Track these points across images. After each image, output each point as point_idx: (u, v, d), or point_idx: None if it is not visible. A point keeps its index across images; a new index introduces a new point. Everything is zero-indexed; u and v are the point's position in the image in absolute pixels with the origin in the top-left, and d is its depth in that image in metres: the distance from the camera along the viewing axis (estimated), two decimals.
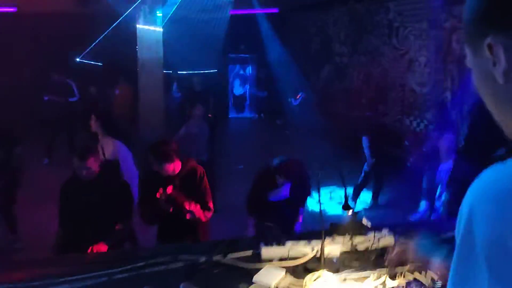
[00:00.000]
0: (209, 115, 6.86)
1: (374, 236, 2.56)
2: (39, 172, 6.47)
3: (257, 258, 2.41)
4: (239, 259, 2.37)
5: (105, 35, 9.06)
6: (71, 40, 9.46)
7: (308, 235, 2.60)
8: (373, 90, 8.61)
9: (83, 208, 3.04)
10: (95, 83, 9.69)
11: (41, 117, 8.39)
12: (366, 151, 5.83)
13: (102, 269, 2.21)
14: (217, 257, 2.33)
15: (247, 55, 13.05)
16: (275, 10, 10.89)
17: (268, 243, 2.46)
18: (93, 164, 3.08)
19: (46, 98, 8.29)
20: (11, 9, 9.79)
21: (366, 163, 5.88)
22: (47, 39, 10.02)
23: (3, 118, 6.79)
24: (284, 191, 3.34)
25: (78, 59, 10.12)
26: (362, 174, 5.94)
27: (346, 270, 2.30)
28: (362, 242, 2.55)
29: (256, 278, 2.17)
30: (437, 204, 4.34)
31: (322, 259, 2.33)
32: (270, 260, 2.39)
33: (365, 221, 2.71)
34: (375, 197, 6.12)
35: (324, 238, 2.34)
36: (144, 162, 3.71)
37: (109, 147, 4.22)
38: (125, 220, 3.14)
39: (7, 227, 4.63)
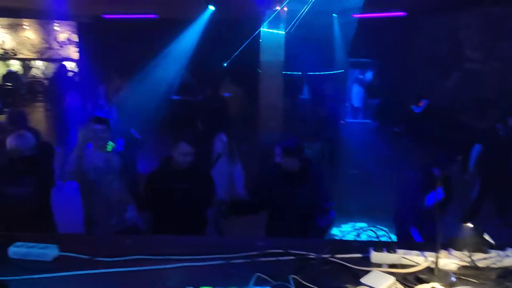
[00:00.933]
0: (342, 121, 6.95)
1: (497, 254, 2.40)
2: None
3: (366, 261, 2.43)
4: (348, 260, 2.41)
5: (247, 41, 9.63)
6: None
7: (422, 246, 2.53)
8: (508, 100, 7.86)
9: (171, 195, 3.35)
10: (217, 84, 10.35)
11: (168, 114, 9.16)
12: (472, 161, 5.51)
13: (218, 253, 2.41)
14: (326, 255, 2.39)
15: (368, 60, 12.78)
16: (402, 14, 10.46)
17: (379, 248, 2.45)
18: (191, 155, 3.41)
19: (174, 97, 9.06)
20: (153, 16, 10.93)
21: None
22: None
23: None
24: (437, 194, 3.25)
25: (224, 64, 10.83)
26: (477, 187, 5.57)
27: (461, 286, 2.19)
28: (483, 259, 2.40)
29: (364, 280, 2.18)
30: None
31: (436, 271, 2.25)
32: (379, 265, 2.39)
33: (487, 237, 2.54)
34: (498, 212, 5.64)
35: (440, 250, 2.27)
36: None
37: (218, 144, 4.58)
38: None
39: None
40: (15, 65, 17.80)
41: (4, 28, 17.27)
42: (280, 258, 2.42)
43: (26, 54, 17.69)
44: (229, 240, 2.71)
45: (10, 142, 3.42)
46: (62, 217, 3.94)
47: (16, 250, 2.29)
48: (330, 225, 3.83)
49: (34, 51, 17.70)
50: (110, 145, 3.77)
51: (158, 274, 2.25)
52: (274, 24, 7.70)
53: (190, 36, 10.89)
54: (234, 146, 4.78)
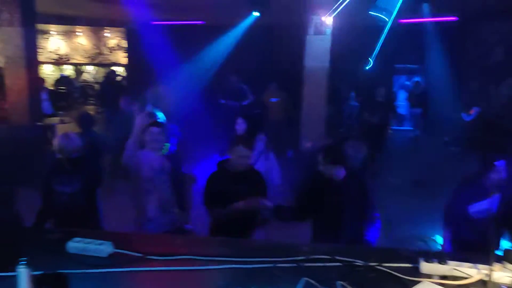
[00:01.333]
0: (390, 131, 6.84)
1: None
2: None
3: (415, 271, 2.38)
4: (396, 269, 2.37)
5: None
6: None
7: (475, 258, 2.45)
8: None
9: (228, 197, 3.43)
10: (260, 88, 10.45)
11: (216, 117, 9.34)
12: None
13: (265, 256, 2.43)
14: (374, 263, 2.37)
15: (414, 66, 12.49)
16: (453, 19, 10.16)
17: (429, 259, 2.40)
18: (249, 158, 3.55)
19: (223, 101, 9.20)
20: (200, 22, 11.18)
21: None
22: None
23: None
24: (490, 203, 3.13)
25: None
26: None
27: None
28: None
29: None
30: None
31: (490, 285, 2.19)
32: (429, 276, 2.34)
33: None
34: None
35: (494, 263, 2.20)
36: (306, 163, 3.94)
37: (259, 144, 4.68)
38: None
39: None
40: (68, 70, 18.67)
41: (59, 34, 18.17)
42: (327, 264, 2.42)
43: (78, 59, 18.52)
44: (276, 243, 2.72)
45: (56, 142, 3.60)
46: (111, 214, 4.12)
47: (74, 245, 2.42)
48: (376, 235, 3.78)
49: (86, 56, 18.51)
50: (166, 147, 3.91)
51: (206, 274, 2.31)
52: (319, 30, 7.69)
53: (235, 42, 11.08)
54: (268, 142, 4.96)
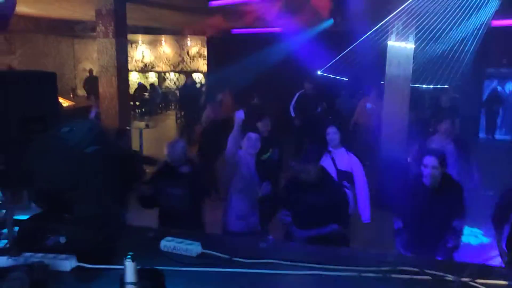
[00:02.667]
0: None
1: None
2: None
3: None
4: (491, 286, 2.25)
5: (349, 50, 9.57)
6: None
7: None
8: None
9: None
10: (338, 96, 10.34)
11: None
12: None
13: (349, 264, 2.42)
14: (467, 279, 2.26)
15: (509, 69, 11.67)
16: None
17: None
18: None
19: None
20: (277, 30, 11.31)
21: None
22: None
23: None
24: None
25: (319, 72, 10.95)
26: None
27: None
28: None
29: None
30: None
31: None
32: None
33: None
34: None
35: None
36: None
37: (343, 159, 4.55)
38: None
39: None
40: (152, 77, 19.77)
41: (145, 43, 19.33)
42: (414, 276, 2.35)
43: (162, 67, 19.56)
44: (361, 252, 2.69)
45: (166, 148, 3.96)
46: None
47: (166, 243, 2.57)
48: (457, 247, 3.64)
49: (168, 64, 19.50)
50: (268, 153, 4.10)
51: (290, 279, 2.35)
52: (402, 36, 7.46)
53: (312, 49, 11.07)
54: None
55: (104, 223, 2.30)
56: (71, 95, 14.15)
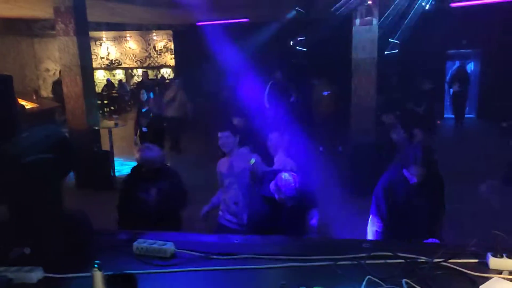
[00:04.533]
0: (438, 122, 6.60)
1: None
2: None
3: (482, 267, 2.29)
4: (463, 265, 2.29)
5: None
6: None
7: None
8: None
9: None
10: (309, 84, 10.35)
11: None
12: None
13: (326, 254, 2.42)
14: (439, 259, 2.29)
15: (469, 50, 11.93)
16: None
17: (498, 253, 2.30)
18: None
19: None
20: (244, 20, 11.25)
21: None
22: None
23: None
24: None
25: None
26: None
27: None
28: None
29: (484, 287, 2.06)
30: None
31: None
32: (499, 272, 2.24)
33: None
34: None
35: None
36: None
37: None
38: None
39: None
40: (119, 74, 19.36)
41: (109, 40, 18.87)
42: (389, 260, 2.36)
43: (128, 63, 19.16)
44: (335, 241, 2.70)
45: (137, 154, 3.89)
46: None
47: (138, 246, 2.51)
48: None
49: (135, 60, 19.12)
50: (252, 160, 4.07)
51: (268, 273, 2.33)
52: (366, 21, 7.53)
53: (280, 38, 11.03)
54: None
55: (70, 229, 2.22)
56: (34, 97, 13.70)
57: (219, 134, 4.10)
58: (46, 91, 16.77)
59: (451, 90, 12.17)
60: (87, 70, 8.23)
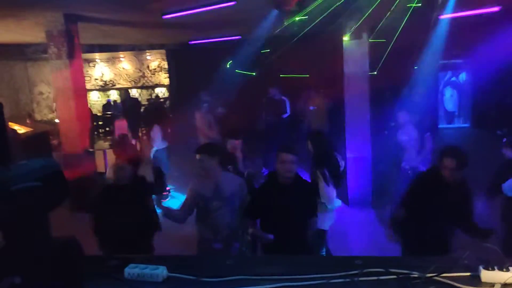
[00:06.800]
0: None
1: None
2: None
3: (475, 280, 2.29)
4: (455, 279, 2.28)
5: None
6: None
7: None
8: None
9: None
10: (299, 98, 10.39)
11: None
12: None
13: (317, 272, 2.41)
14: (432, 274, 2.29)
15: (460, 61, 12.07)
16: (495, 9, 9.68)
17: (489, 266, 2.30)
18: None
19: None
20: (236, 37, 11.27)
21: None
22: None
23: None
24: None
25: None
26: None
27: None
28: None
29: None
30: None
31: None
32: (491, 285, 2.24)
33: None
34: None
35: None
36: None
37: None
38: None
39: None
40: (113, 95, 19.40)
41: (103, 61, 18.96)
42: (381, 277, 2.36)
43: (122, 84, 19.23)
44: (326, 258, 2.69)
45: (108, 173, 3.80)
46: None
47: (130, 271, 2.49)
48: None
49: (129, 80, 19.18)
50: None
51: None
52: (356, 34, 7.62)
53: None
54: None
55: (61, 257, 2.19)
56: (28, 121, 13.69)
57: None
58: (40, 114, 16.78)
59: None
60: (79, 93, 8.26)
